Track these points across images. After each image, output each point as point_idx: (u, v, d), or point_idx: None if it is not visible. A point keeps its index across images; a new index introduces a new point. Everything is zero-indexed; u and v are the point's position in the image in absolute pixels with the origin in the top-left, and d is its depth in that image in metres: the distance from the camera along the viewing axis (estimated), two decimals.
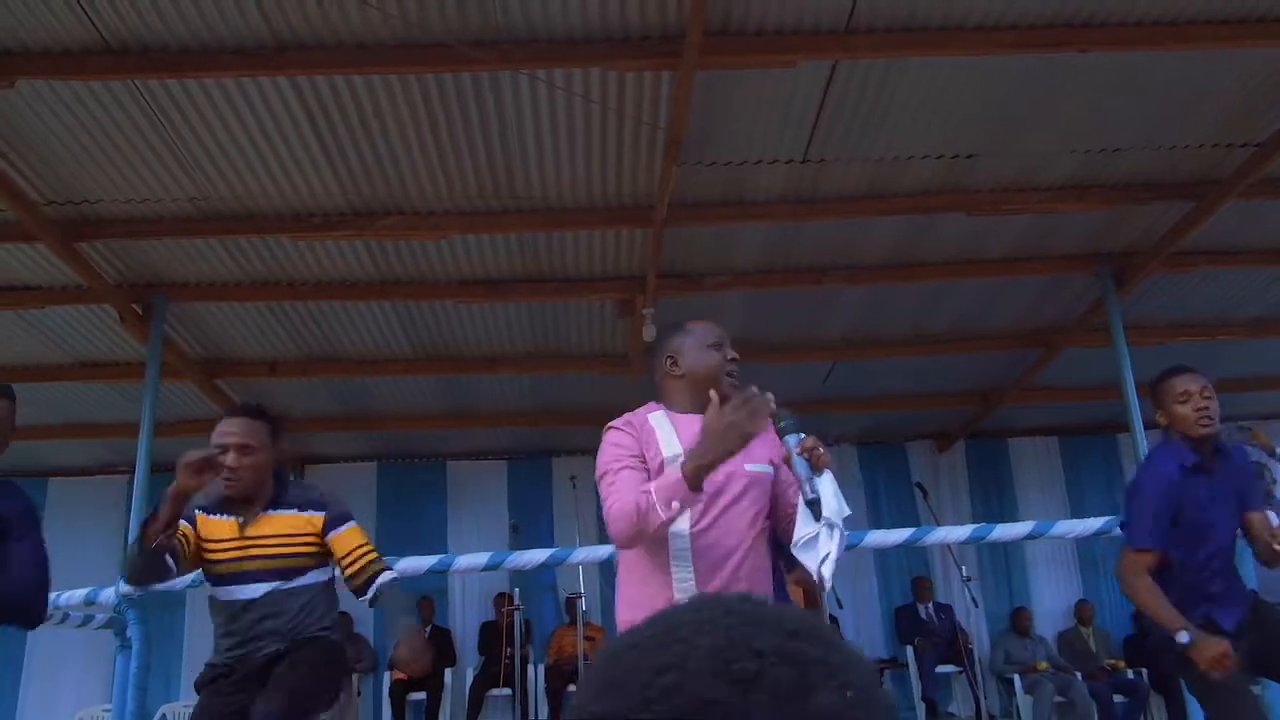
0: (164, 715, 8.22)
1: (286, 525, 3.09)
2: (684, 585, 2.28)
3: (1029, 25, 4.42)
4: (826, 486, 2.26)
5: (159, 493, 3.05)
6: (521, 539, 7.78)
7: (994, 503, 9.81)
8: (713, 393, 2.21)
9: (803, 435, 2.30)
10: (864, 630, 9.19)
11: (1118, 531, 5.77)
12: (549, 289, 6.53)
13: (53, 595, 5.40)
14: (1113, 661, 8.56)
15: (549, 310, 6.96)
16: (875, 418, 9.32)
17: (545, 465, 9.76)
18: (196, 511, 3.16)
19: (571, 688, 8.15)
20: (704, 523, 2.32)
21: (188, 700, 8.76)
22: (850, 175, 5.51)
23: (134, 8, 4.07)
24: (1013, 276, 6.74)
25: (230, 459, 3.02)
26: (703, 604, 0.60)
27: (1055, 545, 9.35)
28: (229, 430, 3.08)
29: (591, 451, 9.09)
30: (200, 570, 3.24)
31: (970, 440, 9.98)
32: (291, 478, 3.30)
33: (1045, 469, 10.04)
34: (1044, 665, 8.30)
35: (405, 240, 5.85)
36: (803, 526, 2.27)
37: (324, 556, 3.16)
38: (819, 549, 2.25)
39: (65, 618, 5.66)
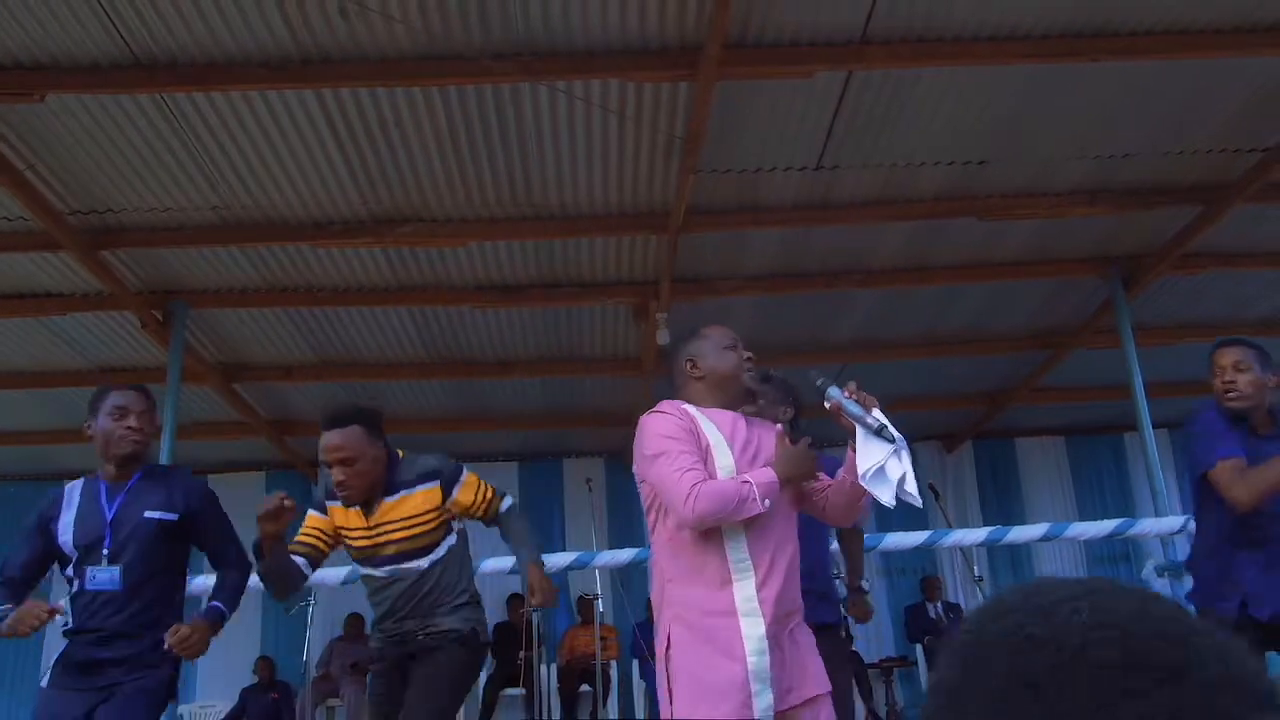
0: (182, 715, 8.29)
1: (408, 507, 3.16)
2: (741, 565, 2.41)
3: (1041, 36, 4.49)
4: (883, 418, 2.40)
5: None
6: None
7: (1002, 503, 9.88)
8: (779, 428, 2.54)
9: (842, 386, 2.46)
10: (873, 629, 9.23)
11: (1129, 533, 5.86)
12: (564, 294, 6.61)
13: None
14: None
15: (562, 314, 7.03)
16: None
17: (556, 467, 9.84)
18: (328, 504, 3.26)
19: (584, 687, 8.22)
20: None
21: (204, 700, 8.84)
22: (863, 182, 5.58)
23: (162, 22, 4.15)
24: (1023, 279, 6.81)
25: (338, 474, 3.07)
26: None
27: (1063, 545, 9.42)
28: (329, 446, 3.09)
29: (601, 453, 8.97)
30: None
31: (978, 441, 10.06)
32: (400, 454, 3.30)
33: (1052, 469, 10.12)
34: None
35: (424, 247, 5.93)
36: (867, 459, 2.38)
37: (449, 522, 3.25)
38: (890, 473, 2.36)
39: None
